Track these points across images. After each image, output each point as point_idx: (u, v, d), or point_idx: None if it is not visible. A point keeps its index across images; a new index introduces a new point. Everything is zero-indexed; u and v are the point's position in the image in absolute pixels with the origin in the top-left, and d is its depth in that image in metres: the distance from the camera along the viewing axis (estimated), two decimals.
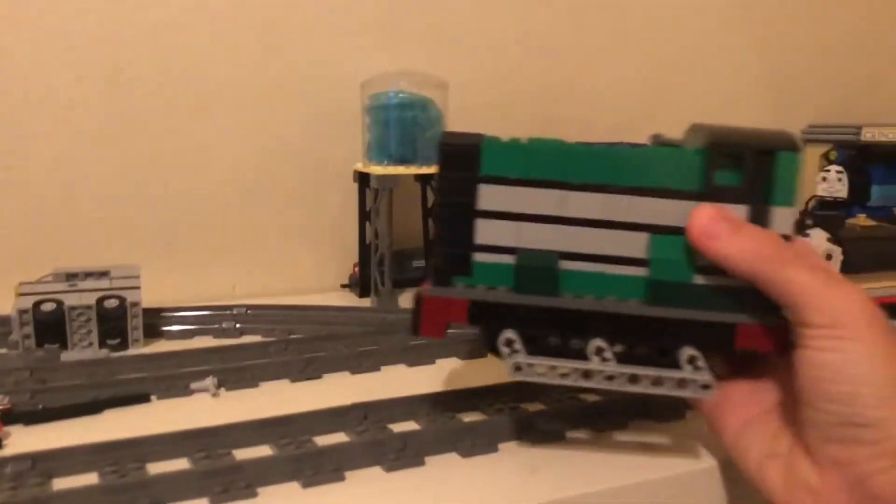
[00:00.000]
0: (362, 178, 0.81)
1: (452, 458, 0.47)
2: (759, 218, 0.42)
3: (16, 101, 0.77)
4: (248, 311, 0.71)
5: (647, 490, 0.45)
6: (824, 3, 1.19)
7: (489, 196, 0.42)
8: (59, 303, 0.62)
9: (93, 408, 0.52)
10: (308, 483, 0.43)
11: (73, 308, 0.62)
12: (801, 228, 0.63)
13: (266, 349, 0.64)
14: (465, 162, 0.42)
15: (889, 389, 0.36)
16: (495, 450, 0.47)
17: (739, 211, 0.41)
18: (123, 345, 0.64)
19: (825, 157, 1.09)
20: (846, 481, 0.37)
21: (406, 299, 0.80)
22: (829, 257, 0.60)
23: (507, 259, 0.42)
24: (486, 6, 0.95)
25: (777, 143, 0.41)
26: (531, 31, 0.99)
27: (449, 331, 0.43)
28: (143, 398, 0.54)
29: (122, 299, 0.64)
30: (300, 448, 0.46)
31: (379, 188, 0.77)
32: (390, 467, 0.45)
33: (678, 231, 0.41)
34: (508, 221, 0.42)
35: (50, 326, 0.62)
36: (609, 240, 0.42)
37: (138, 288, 0.65)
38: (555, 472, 0.45)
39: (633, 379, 0.41)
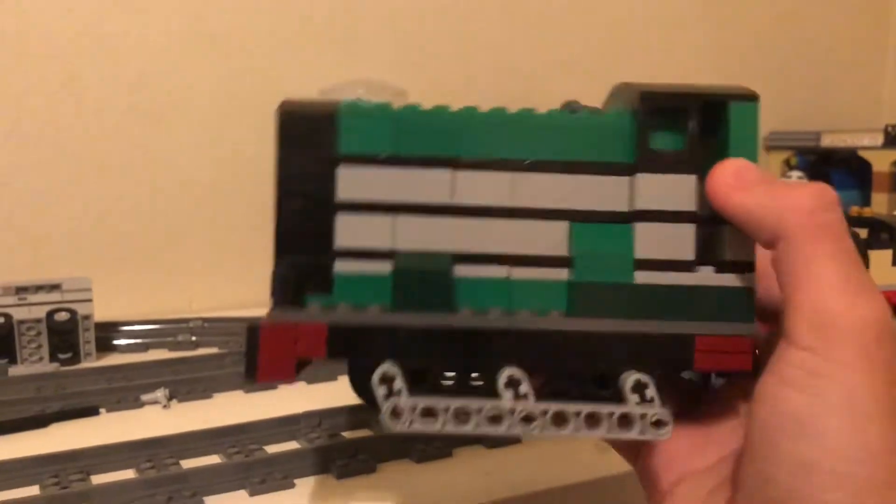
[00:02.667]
0: None
1: (405, 464, 0.46)
2: None
3: None
4: (205, 324, 0.70)
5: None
6: (781, 11, 1.21)
7: (352, 182, 0.31)
8: (8, 316, 0.61)
9: (38, 422, 0.51)
10: (256, 491, 0.42)
11: (22, 322, 0.61)
12: None
13: (221, 361, 0.63)
14: (315, 136, 0.31)
15: (877, 471, 0.23)
16: (449, 455, 0.47)
17: (686, 183, 0.31)
18: (75, 358, 0.63)
19: (786, 163, 1.10)
20: None
21: None
22: None
23: (382, 267, 0.31)
24: (444, 15, 0.95)
25: (729, 92, 0.32)
26: (489, 42, 0.99)
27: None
28: (91, 411, 0.53)
29: (73, 312, 0.63)
30: (249, 456, 0.45)
31: None
32: (341, 474, 0.44)
33: (609, 216, 0.32)
34: (381, 215, 0.31)
35: None
36: (517, 233, 0.32)
37: (90, 300, 0.63)
38: (508, 473, 0.45)
39: (560, 419, 0.30)
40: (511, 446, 0.48)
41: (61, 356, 0.63)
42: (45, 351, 0.62)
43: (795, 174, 1.07)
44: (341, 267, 0.31)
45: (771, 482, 0.24)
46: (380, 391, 0.30)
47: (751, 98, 0.32)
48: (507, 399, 0.30)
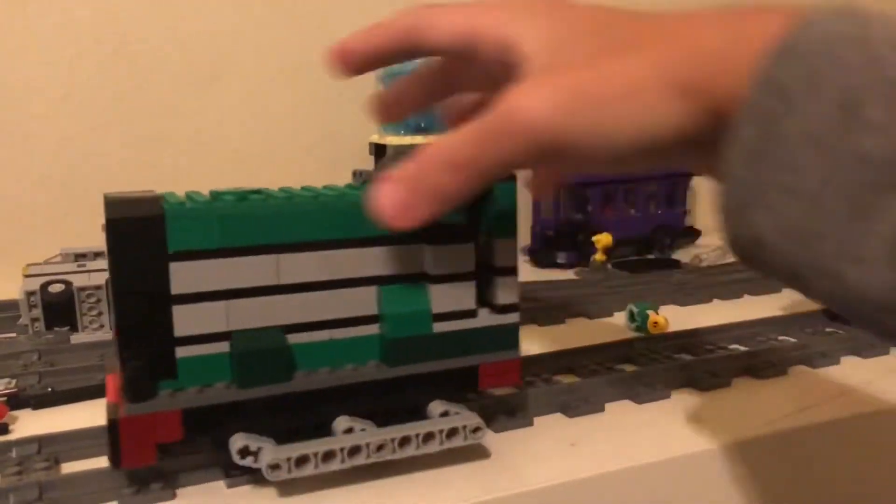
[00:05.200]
0: (378, 150, 0.78)
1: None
2: (485, 250, 0.40)
3: (16, 80, 0.75)
4: None
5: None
6: None
7: (184, 276, 0.33)
8: (68, 284, 0.60)
9: (103, 390, 0.50)
10: None
11: (82, 289, 0.60)
12: None
13: None
14: (146, 238, 0.32)
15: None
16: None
17: (467, 249, 0.39)
18: None
19: None
20: None
21: None
22: None
23: (220, 347, 0.34)
24: None
25: None
26: None
27: None
28: None
29: None
30: None
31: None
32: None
33: (408, 278, 0.38)
34: (215, 302, 0.34)
35: (59, 308, 0.60)
36: (335, 300, 0.36)
37: None
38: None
39: (405, 441, 0.36)
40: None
41: None
42: (105, 318, 0.61)
43: None
44: (183, 352, 0.34)
45: None
46: (246, 461, 0.34)
47: (511, 180, 0.39)
48: (358, 435, 0.35)
